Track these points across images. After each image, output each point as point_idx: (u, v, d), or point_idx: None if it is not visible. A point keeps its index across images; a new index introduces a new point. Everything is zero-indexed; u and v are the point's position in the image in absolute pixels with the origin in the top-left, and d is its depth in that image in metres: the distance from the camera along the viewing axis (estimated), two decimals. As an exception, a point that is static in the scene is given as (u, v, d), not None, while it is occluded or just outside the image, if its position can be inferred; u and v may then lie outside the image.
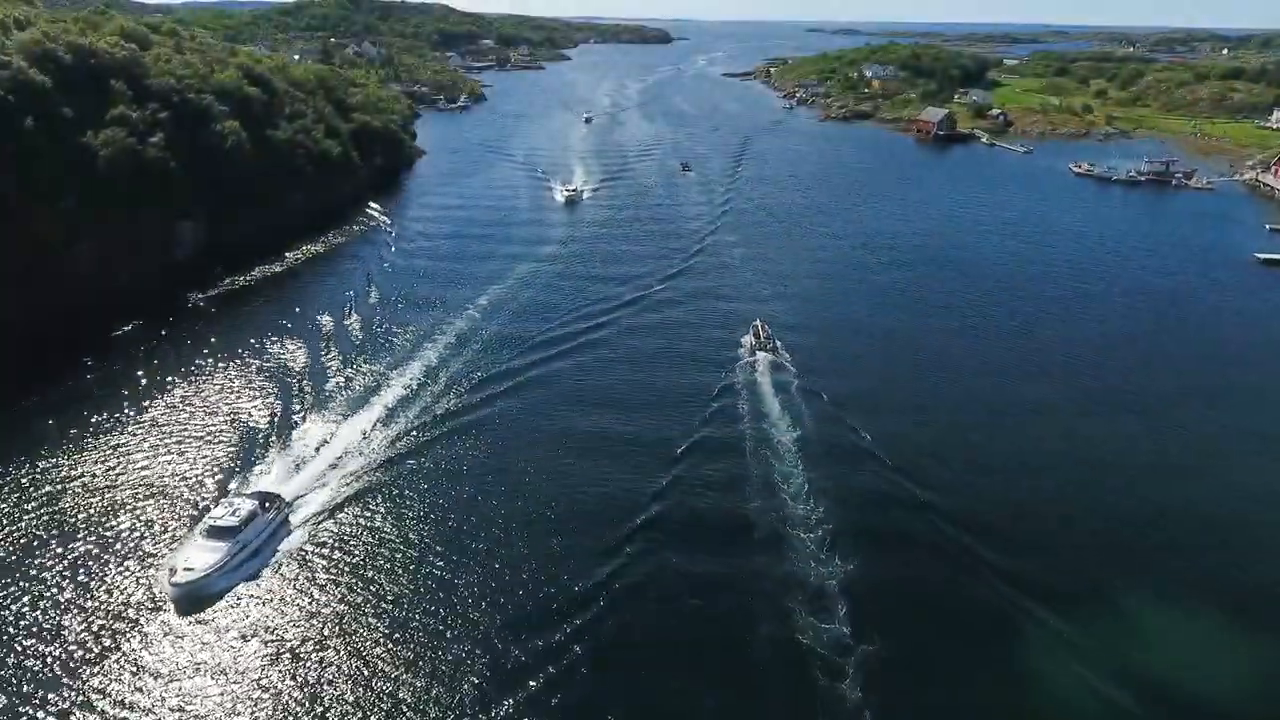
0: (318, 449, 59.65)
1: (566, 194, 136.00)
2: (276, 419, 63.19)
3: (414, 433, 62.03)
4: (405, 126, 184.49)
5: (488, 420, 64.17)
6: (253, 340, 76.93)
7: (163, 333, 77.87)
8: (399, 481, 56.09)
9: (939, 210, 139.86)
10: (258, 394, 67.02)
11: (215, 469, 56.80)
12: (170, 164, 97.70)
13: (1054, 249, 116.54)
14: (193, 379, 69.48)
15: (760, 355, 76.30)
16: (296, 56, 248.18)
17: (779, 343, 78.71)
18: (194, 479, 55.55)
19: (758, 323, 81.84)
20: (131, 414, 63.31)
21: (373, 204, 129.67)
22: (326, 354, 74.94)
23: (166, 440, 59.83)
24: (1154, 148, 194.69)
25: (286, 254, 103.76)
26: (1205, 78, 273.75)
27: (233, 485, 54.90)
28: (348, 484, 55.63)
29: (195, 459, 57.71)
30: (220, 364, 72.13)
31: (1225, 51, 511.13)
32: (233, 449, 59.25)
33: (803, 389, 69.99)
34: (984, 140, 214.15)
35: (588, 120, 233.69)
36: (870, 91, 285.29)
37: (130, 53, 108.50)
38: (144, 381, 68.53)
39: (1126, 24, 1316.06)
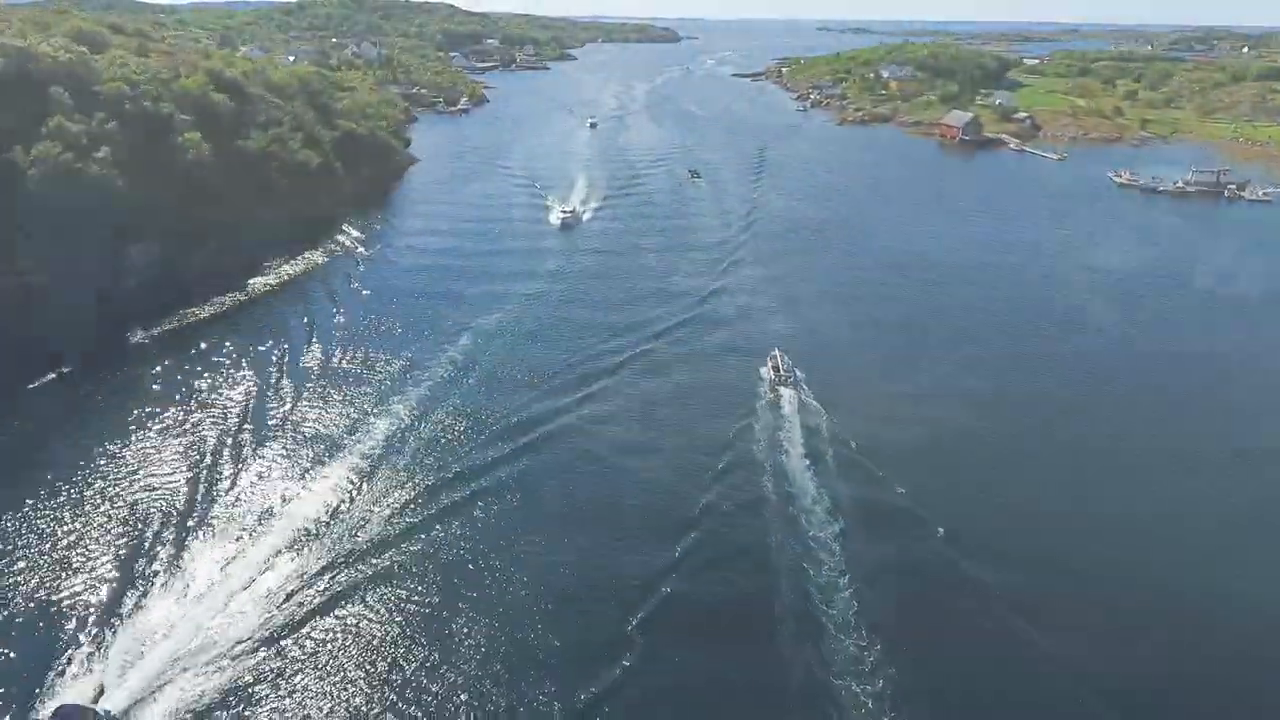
0: (180, 616, 42.01)
1: (563, 216, 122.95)
2: (139, 560, 46.12)
3: (322, 579, 45.07)
4: (398, 133, 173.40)
5: (429, 552, 47.93)
6: (166, 414, 62.11)
7: (84, 390, 66.14)
8: (293, 666, 39.72)
9: (977, 227, 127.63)
10: (129, 514, 50.25)
11: (17, 663, 39.31)
12: (118, 181, 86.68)
13: (1115, 278, 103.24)
14: (74, 475, 53.84)
15: (783, 392, 65.82)
16: (291, 58, 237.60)
17: (801, 377, 68.32)
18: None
19: (776, 353, 71.32)
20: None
21: (349, 225, 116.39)
22: (236, 444, 58.48)
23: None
24: (1195, 154, 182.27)
25: (249, 281, 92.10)
26: (1241, 78, 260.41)
27: (30, 695, 37.36)
28: (215, 673, 38.87)
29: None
30: (114, 451, 56.94)
31: (1246, 49, 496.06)
32: (62, 620, 41.74)
33: (837, 446, 58.62)
34: (1013, 146, 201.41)
35: (592, 125, 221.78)
36: (888, 93, 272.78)
37: (78, 56, 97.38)
38: (17, 476, 53.82)
39: (1140, 22, 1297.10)
